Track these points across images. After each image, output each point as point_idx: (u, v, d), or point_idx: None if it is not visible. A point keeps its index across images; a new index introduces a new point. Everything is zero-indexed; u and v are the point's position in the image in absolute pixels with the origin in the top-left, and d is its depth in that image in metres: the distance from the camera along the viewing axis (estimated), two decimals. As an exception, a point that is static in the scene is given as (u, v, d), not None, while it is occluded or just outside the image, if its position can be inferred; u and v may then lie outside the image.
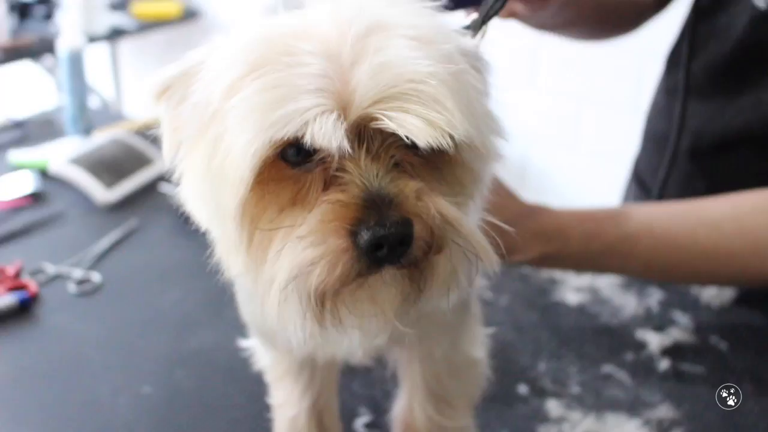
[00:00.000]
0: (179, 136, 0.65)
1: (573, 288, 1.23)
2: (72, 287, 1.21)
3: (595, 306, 1.19)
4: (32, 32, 3.15)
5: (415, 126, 0.57)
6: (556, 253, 1.01)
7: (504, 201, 0.92)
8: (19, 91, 3.74)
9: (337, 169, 0.59)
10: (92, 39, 3.07)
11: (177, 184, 0.67)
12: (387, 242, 0.56)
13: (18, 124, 1.84)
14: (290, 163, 0.60)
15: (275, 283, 0.59)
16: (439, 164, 0.62)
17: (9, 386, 1.01)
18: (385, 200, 0.58)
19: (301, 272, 0.58)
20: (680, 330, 1.11)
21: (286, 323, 0.61)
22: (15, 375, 1.03)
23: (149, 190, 1.46)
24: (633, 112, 2.13)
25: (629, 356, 1.07)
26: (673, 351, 1.07)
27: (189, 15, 3.85)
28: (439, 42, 0.62)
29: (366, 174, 0.58)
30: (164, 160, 0.67)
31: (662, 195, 1.29)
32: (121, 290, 1.22)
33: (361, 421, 0.95)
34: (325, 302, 0.59)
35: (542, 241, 1.00)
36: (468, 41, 0.68)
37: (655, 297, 1.21)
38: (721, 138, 1.19)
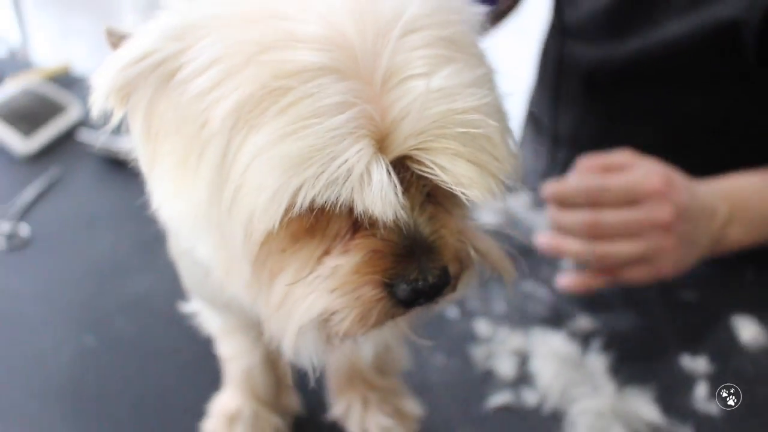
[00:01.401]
0: (155, 145, 0.56)
1: (490, 210, 1.23)
2: (1, 242, 1.18)
3: (509, 228, 1.19)
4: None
5: (468, 178, 0.51)
6: None
7: None
8: None
9: None
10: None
11: (150, 190, 0.60)
12: (426, 295, 0.54)
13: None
14: None
15: (293, 320, 0.56)
16: None
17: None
18: (424, 247, 0.54)
19: (327, 317, 0.55)
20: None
21: (299, 350, 0.58)
22: (-48, 336, 1.01)
23: (67, 138, 1.42)
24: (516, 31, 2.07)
25: (546, 272, 1.12)
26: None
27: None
28: (469, 41, 0.55)
29: (402, 213, 0.52)
30: (142, 171, 0.60)
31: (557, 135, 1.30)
32: (51, 242, 1.20)
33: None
34: (347, 338, 0.57)
35: None
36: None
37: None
38: (611, 77, 1.20)
